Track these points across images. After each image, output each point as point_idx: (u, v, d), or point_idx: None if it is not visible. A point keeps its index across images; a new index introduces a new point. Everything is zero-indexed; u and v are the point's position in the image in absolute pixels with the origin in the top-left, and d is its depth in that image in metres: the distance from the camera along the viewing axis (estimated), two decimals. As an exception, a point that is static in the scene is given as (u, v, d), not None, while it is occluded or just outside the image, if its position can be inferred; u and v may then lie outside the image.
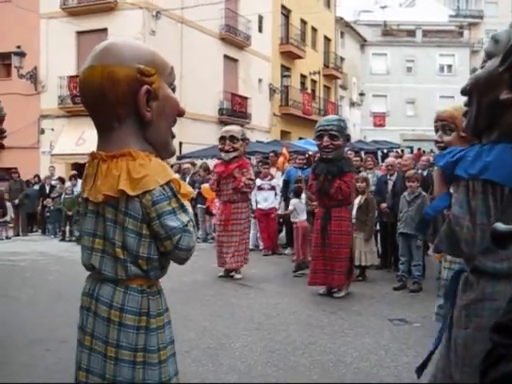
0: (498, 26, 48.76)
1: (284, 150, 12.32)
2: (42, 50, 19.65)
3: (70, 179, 13.86)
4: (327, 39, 34.21)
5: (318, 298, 6.38)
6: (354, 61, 38.65)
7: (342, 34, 37.03)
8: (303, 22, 30.43)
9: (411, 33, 42.16)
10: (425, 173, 8.09)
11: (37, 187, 14.80)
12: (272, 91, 26.88)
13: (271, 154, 11.94)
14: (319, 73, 31.67)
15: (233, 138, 7.45)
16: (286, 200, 9.45)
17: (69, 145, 18.05)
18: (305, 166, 9.68)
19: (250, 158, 11.93)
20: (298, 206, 8.45)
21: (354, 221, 7.58)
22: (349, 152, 11.57)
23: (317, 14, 30.46)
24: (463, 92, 1.89)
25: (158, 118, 1.84)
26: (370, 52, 41.44)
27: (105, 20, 18.74)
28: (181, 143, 17.82)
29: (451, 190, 1.99)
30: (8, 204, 13.85)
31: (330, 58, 34.06)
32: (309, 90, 31.18)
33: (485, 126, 1.81)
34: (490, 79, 1.75)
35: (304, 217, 8.41)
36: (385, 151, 18.47)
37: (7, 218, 13.83)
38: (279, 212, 9.99)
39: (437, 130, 3.41)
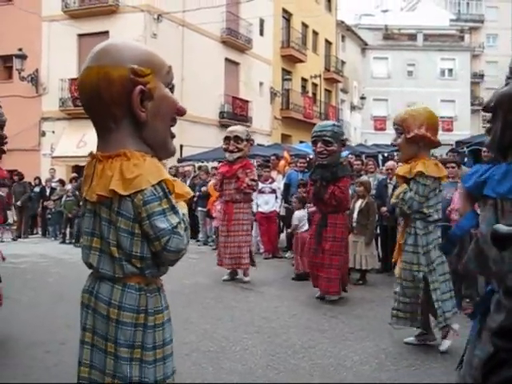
0: (499, 31, 48.96)
1: (285, 154, 12.32)
2: (44, 52, 19.69)
3: (71, 181, 13.87)
4: (328, 43, 34.26)
5: (318, 302, 6.37)
6: (354, 64, 38.69)
7: (343, 37, 37.08)
8: (304, 26, 30.47)
9: (412, 37, 42.20)
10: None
11: (37, 189, 14.80)
12: (273, 94, 26.91)
13: (272, 157, 11.94)
14: (320, 76, 31.68)
15: (237, 139, 7.44)
16: (287, 203, 9.45)
17: (70, 147, 18.06)
18: (306, 170, 9.69)
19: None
20: (302, 219, 8.26)
21: (354, 224, 7.59)
22: (349, 156, 11.57)
23: (318, 18, 30.52)
24: (486, 108, 1.85)
25: (153, 118, 1.85)
26: (371, 56, 41.46)
27: (106, 23, 18.76)
28: (181, 146, 17.82)
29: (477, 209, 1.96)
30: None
31: (331, 61, 34.11)
32: (310, 94, 31.22)
33: (510, 143, 1.79)
34: None
35: (306, 227, 8.19)
36: (385, 155, 18.44)
37: (10, 221, 13.80)
38: (281, 212, 9.99)
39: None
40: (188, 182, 12.30)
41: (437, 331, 4.64)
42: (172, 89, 1.96)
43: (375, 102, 40.08)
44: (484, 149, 7.60)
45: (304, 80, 30.72)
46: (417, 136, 4.40)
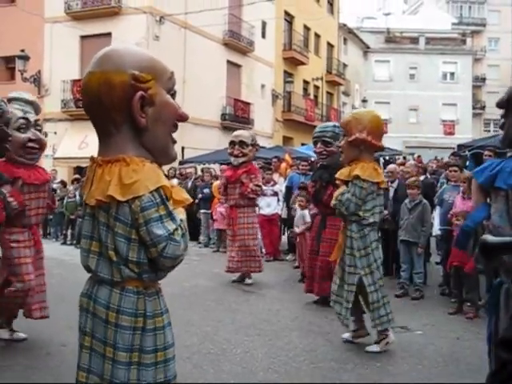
0: (501, 34, 49.00)
1: (287, 156, 12.33)
2: (46, 53, 19.74)
3: (73, 183, 13.87)
4: (330, 45, 34.30)
5: (320, 305, 6.35)
6: (356, 67, 38.73)
7: (345, 40, 37.13)
8: (306, 28, 30.52)
9: (414, 40, 42.23)
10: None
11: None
12: (275, 97, 26.94)
13: (274, 160, 11.93)
14: (322, 79, 31.71)
15: (242, 143, 7.45)
16: (288, 206, 9.43)
17: (71, 148, 18.09)
18: (308, 172, 9.67)
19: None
20: (306, 218, 8.14)
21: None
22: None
23: (320, 21, 30.56)
24: (500, 104, 1.86)
25: (154, 123, 1.85)
26: (373, 59, 41.51)
27: (109, 24, 18.82)
28: (183, 148, 17.84)
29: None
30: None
31: (332, 64, 34.14)
32: (311, 96, 31.23)
33: None
34: None
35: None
36: (387, 158, 18.45)
37: None
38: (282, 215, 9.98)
39: None
40: (190, 183, 12.30)
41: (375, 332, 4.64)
42: (174, 94, 1.96)
43: (377, 105, 39.98)
44: (486, 152, 7.59)
45: (306, 82, 30.75)
46: (357, 139, 4.43)
